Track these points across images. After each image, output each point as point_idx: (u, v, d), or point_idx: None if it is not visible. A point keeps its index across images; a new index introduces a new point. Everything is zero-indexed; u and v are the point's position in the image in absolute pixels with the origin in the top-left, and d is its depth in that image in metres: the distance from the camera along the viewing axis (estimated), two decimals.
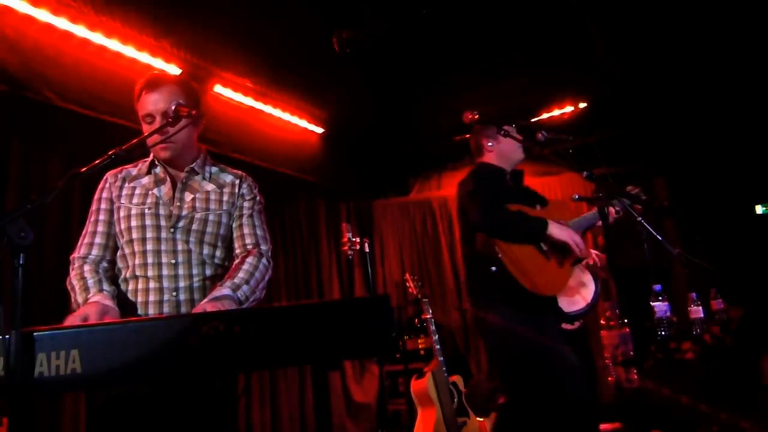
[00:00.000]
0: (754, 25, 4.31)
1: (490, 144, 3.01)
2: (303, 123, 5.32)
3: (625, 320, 4.57)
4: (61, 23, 3.40)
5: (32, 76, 3.33)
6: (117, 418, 1.83)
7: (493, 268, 2.66)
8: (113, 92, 3.65)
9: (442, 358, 4.34)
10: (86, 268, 1.99)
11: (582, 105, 5.49)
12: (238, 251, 2.10)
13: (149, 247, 2.00)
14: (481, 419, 4.41)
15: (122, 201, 2.06)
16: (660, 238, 2.61)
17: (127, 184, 2.10)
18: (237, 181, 2.18)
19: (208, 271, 2.04)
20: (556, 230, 2.76)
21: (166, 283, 1.98)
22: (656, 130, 5.62)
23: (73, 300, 1.95)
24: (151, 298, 1.96)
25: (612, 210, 2.99)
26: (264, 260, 2.08)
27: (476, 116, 2.68)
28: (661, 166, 5.68)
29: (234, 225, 2.13)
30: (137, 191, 2.08)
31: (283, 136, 5.19)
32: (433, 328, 4.42)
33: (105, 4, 3.48)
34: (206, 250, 2.05)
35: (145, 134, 1.95)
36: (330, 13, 3.88)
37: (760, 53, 4.64)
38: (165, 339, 1.33)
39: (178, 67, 4.02)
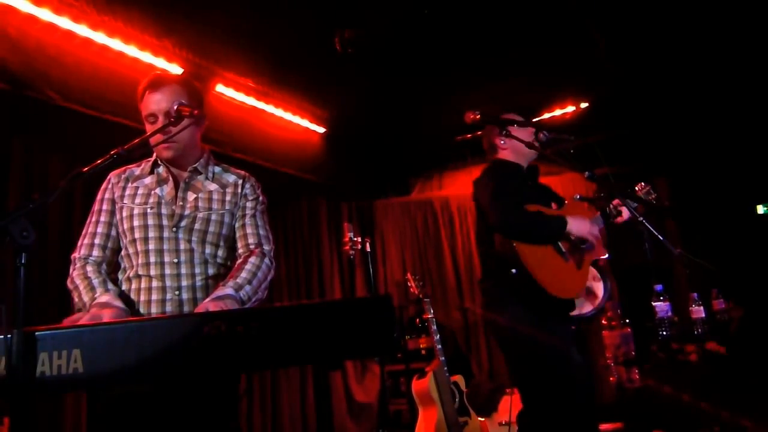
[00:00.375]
0: (754, 25, 4.31)
1: (503, 141, 2.96)
2: (305, 123, 5.32)
3: (627, 320, 4.57)
4: (64, 23, 3.41)
5: (34, 76, 3.33)
6: (119, 417, 1.83)
7: (513, 270, 2.62)
8: (115, 92, 3.66)
9: (443, 358, 4.34)
10: (89, 268, 2.00)
11: (583, 105, 5.49)
12: (240, 251, 2.11)
13: (152, 246, 2.00)
14: (483, 419, 4.41)
15: (125, 201, 2.07)
16: (661, 238, 2.61)
17: (130, 184, 2.10)
18: (240, 181, 2.18)
19: (211, 271, 2.04)
20: (575, 226, 2.74)
21: (168, 282, 1.98)
22: (657, 130, 5.61)
23: (76, 299, 1.96)
24: (154, 297, 1.97)
25: (625, 210, 2.98)
26: (266, 260, 2.08)
27: (477, 116, 2.66)
28: (663, 166, 5.68)
29: (237, 225, 2.13)
30: (140, 191, 2.08)
31: (285, 135, 5.19)
32: (434, 327, 4.42)
33: (107, 3, 3.48)
34: (208, 250, 2.05)
35: (148, 134, 1.95)
36: (332, 13, 3.88)
37: (760, 53, 4.63)
38: (167, 339, 1.33)
39: (180, 67, 4.03)
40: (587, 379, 2.79)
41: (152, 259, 1.99)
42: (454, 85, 4.91)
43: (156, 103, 2.01)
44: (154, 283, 1.98)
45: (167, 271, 1.99)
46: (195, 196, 2.09)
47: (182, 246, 2.02)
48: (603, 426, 4.12)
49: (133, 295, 1.99)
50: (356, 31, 3.93)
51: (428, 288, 5.31)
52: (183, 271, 2.00)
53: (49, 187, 3.59)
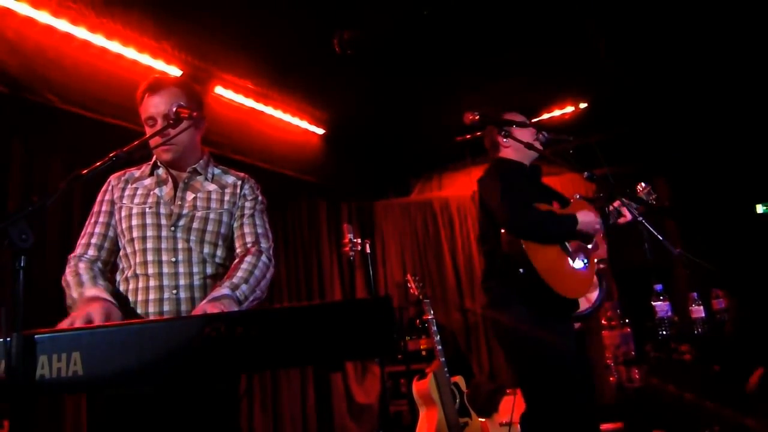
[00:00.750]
0: (754, 25, 4.31)
1: (505, 140, 2.96)
2: (304, 124, 5.32)
3: (627, 320, 4.57)
4: (62, 25, 3.41)
5: (33, 78, 3.33)
6: (119, 420, 1.83)
7: (521, 270, 2.61)
8: (114, 94, 3.66)
9: (443, 359, 4.34)
10: (81, 265, 2.00)
11: (582, 105, 5.49)
12: (238, 250, 2.10)
13: (149, 245, 2.00)
14: (483, 419, 4.41)
15: (124, 201, 2.08)
16: (661, 238, 2.61)
17: (129, 186, 2.12)
18: (239, 182, 2.19)
19: (209, 270, 2.04)
20: (584, 221, 2.74)
21: (166, 282, 1.98)
22: (657, 130, 5.62)
23: (68, 296, 1.95)
24: (151, 296, 1.97)
25: (625, 211, 2.98)
26: (264, 258, 2.06)
27: (477, 117, 2.66)
28: (662, 165, 5.68)
29: (235, 225, 2.13)
30: (139, 191, 2.09)
31: (285, 137, 5.19)
32: (434, 328, 4.42)
33: (106, 6, 3.48)
34: (207, 249, 2.05)
35: (147, 136, 1.95)
36: (330, 14, 3.88)
37: (760, 53, 4.63)
38: (167, 341, 1.33)
39: (179, 69, 4.03)
40: (589, 379, 2.79)
41: (150, 258, 1.99)
42: (453, 85, 4.91)
43: (155, 106, 2.02)
44: (152, 283, 1.98)
45: (165, 270, 1.99)
46: (194, 195, 2.10)
47: (180, 245, 2.02)
48: (603, 426, 4.12)
49: (130, 295, 1.99)
50: (355, 33, 3.93)
51: (428, 289, 5.31)
52: (181, 270, 2.00)
53: (48, 190, 3.59)
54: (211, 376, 1.35)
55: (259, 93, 4.74)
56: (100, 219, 2.09)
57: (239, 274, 1.96)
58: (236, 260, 2.05)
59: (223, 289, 1.88)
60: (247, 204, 2.16)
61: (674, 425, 3.76)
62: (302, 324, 1.37)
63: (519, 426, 2.92)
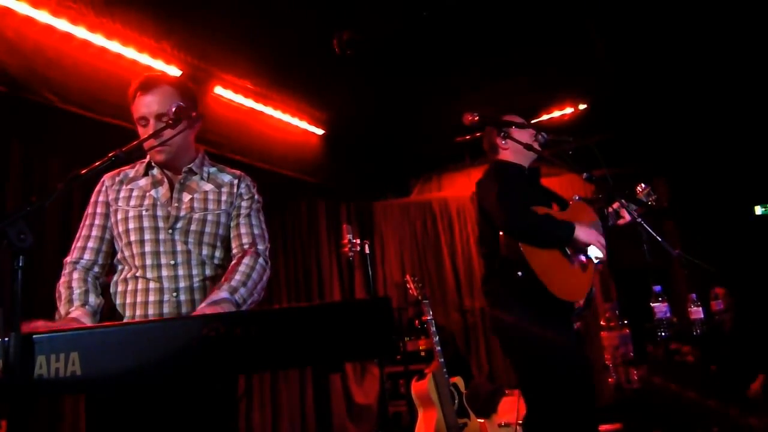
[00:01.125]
0: (754, 26, 4.31)
1: (504, 142, 2.95)
2: (303, 124, 5.32)
3: (625, 321, 4.57)
4: (62, 25, 3.40)
5: (32, 78, 3.33)
6: (117, 420, 1.82)
7: (519, 273, 2.61)
8: (113, 94, 3.65)
9: (442, 360, 4.33)
10: (75, 275, 1.98)
11: (582, 106, 5.50)
12: (235, 251, 2.08)
13: (148, 248, 1.99)
14: (482, 420, 4.40)
15: (119, 204, 2.05)
16: (659, 239, 2.61)
17: (124, 187, 2.08)
18: (235, 181, 2.16)
19: (208, 272, 2.03)
20: (582, 234, 2.73)
21: (166, 284, 1.97)
22: (656, 131, 5.62)
23: (57, 308, 1.95)
24: (151, 298, 1.96)
25: (625, 212, 2.97)
26: (261, 260, 2.04)
27: (476, 118, 2.66)
28: (661, 166, 5.68)
29: (232, 225, 2.11)
30: (134, 193, 2.06)
31: (284, 137, 5.19)
32: (433, 329, 4.41)
33: (105, 5, 3.48)
34: (205, 251, 2.04)
35: (143, 137, 1.93)
36: (330, 15, 3.88)
37: (760, 54, 4.64)
38: (165, 341, 1.33)
39: (179, 69, 4.02)
40: (589, 380, 2.79)
41: (149, 261, 1.98)
42: (453, 86, 4.91)
43: (147, 105, 1.98)
44: (152, 285, 1.96)
45: (164, 272, 1.97)
46: (190, 197, 2.07)
47: (179, 247, 2.00)
48: (602, 427, 4.12)
49: (129, 296, 1.98)
50: (354, 33, 3.93)
51: (427, 289, 5.30)
52: (180, 272, 1.98)
53: (46, 190, 3.58)
54: (209, 376, 1.35)
55: (258, 93, 4.73)
56: (96, 221, 2.07)
57: (237, 276, 1.94)
58: (233, 262, 2.03)
59: (222, 293, 1.87)
60: (244, 203, 2.14)
61: (673, 426, 3.76)
62: (301, 325, 1.36)
63: (523, 430, 2.92)
